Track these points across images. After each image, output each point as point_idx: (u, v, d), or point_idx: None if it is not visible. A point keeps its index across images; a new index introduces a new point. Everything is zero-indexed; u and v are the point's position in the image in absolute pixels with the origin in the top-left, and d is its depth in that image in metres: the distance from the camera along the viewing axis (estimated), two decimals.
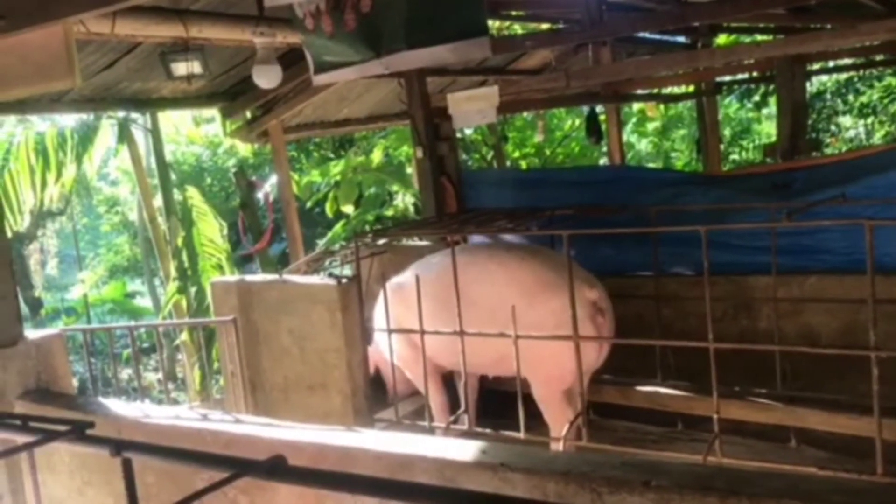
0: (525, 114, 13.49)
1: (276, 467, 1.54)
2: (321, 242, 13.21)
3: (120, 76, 6.36)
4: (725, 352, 3.64)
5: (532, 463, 2.33)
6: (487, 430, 4.25)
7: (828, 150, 14.85)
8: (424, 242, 5.95)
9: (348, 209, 12.46)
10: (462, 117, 5.87)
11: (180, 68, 5.52)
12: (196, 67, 5.49)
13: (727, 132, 16.99)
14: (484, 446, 2.51)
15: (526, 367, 4.07)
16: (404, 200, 13.87)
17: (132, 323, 7.35)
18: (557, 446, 4.15)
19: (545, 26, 7.90)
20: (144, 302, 16.15)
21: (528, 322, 3.98)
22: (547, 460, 2.38)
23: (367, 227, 12.03)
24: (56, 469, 3.57)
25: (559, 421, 4.28)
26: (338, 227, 12.74)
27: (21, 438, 1.87)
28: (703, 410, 4.17)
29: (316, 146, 15.88)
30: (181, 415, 3.31)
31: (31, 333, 3.98)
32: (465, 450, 2.49)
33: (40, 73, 3.26)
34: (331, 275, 4.97)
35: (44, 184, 8.75)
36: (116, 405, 3.53)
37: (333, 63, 4.53)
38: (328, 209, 12.62)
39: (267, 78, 5.52)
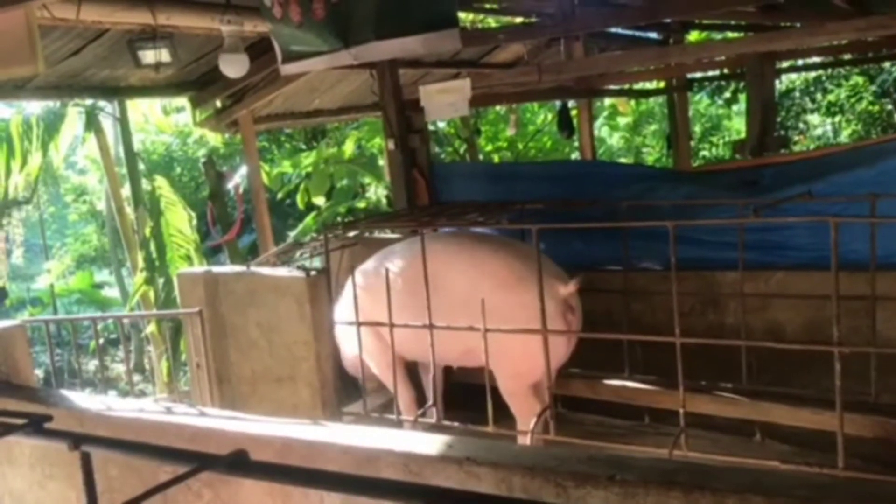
0: (498, 108, 13.50)
1: (238, 462, 1.52)
2: (292, 234, 13.12)
3: (87, 63, 6.25)
4: (692, 346, 3.66)
5: (498, 457, 2.33)
6: (455, 424, 4.24)
7: (796, 148, 15.05)
8: (395, 235, 5.92)
9: (319, 201, 12.38)
10: (434, 109, 5.85)
11: (148, 56, 5.43)
12: (164, 55, 5.40)
13: (697, 128, 17.14)
14: (450, 440, 2.51)
15: (493, 361, 4.06)
16: (376, 193, 13.81)
17: (97, 314, 7.24)
18: (525, 439, 4.16)
19: (518, 20, 7.89)
20: (112, 293, 15.94)
21: (499, 315, 3.97)
22: (513, 454, 2.38)
23: (339, 220, 11.97)
24: (16, 462, 3.51)
25: (526, 415, 4.28)
26: (309, 218, 12.65)
27: None
28: (669, 404, 4.20)
29: (287, 137, 15.76)
30: (145, 407, 3.26)
31: None
32: (431, 444, 2.48)
33: (2, 59, 3.19)
34: (300, 267, 4.93)
35: (8, 172, 8.61)
36: (78, 397, 3.47)
37: (301, 53, 4.47)
38: (299, 201, 12.54)
39: (234, 67, 5.46)
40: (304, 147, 15.10)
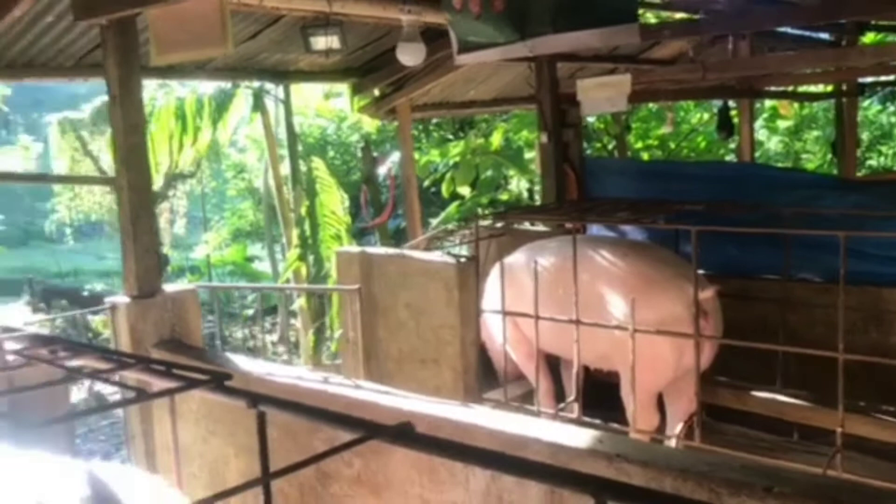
0: (651, 105, 13.20)
1: (404, 433, 1.59)
2: (434, 221, 13.35)
3: (261, 47, 6.58)
4: (852, 365, 3.50)
5: (649, 456, 2.32)
6: (597, 421, 4.22)
7: None
8: (542, 228, 5.94)
9: (464, 190, 12.54)
10: (591, 104, 5.79)
11: (319, 42, 5.63)
12: (335, 42, 5.58)
13: (865, 136, 16.11)
14: (599, 435, 2.51)
15: (622, 365, 4.04)
16: (519, 185, 13.84)
17: (259, 284, 7.65)
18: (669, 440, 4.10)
19: (678, 16, 7.68)
20: (263, 266, 16.74)
21: (628, 321, 3.93)
22: (664, 455, 2.37)
23: (481, 210, 12.08)
24: (184, 416, 3.79)
25: (641, 423, 4.22)
26: (452, 207, 12.84)
27: (158, 384, 1.97)
28: (823, 423, 4.03)
29: (436, 126, 16.01)
30: (303, 376, 3.44)
31: (168, 287, 4.23)
32: (579, 437, 2.50)
33: (196, 40, 3.43)
34: (449, 253, 5.03)
35: (180, 147, 9.20)
36: (243, 361, 3.71)
37: (478, 44, 4.52)
38: (444, 189, 12.74)
39: (411, 55, 5.54)
40: (451, 137, 15.30)
